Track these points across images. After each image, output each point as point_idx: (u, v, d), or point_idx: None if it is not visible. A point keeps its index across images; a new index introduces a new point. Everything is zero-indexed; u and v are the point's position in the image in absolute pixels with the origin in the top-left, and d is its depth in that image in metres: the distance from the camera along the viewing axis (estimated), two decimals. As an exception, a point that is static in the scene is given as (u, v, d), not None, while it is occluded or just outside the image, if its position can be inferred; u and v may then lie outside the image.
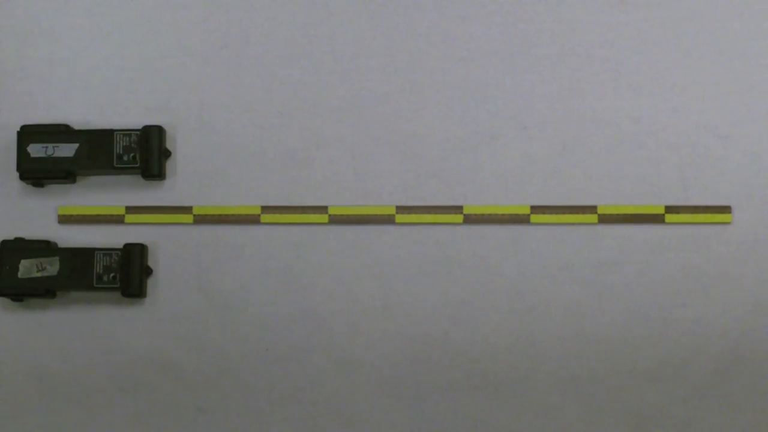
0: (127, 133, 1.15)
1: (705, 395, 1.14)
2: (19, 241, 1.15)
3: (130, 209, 1.16)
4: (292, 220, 1.16)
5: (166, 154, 1.16)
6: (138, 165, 1.14)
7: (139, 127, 1.16)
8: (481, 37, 1.18)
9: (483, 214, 1.16)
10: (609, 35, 1.18)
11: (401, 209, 1.16)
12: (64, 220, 1.17)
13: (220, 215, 1.16)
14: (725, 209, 1.15)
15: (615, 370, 1.14)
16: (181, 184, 1.17)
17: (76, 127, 1.16)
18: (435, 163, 1.17)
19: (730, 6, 1.18)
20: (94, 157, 1.15)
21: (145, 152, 1.14)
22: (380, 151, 1.17)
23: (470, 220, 1.16)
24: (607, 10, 1.18)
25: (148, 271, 1.15)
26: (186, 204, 1.17)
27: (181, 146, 1.17)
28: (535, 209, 1.16)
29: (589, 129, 1.17)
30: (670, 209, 1.15)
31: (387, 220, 1.16)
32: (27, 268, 1.13)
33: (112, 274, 1.13)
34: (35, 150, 1.15)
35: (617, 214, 1.15)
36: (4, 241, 1.15)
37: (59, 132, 1.15)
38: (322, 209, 1.17)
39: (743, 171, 1.16)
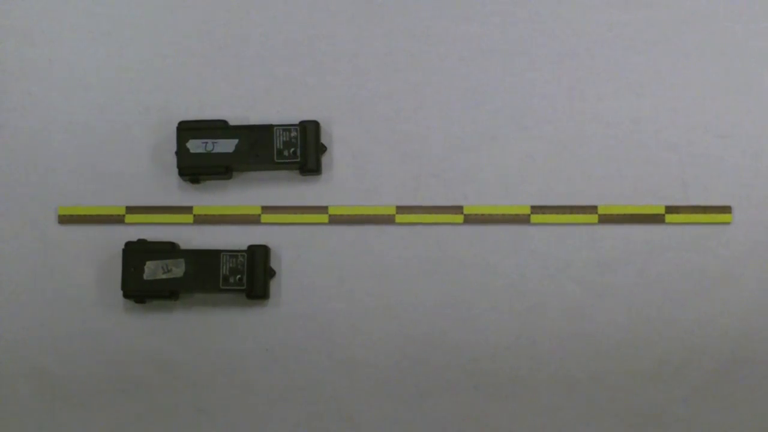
0: (286, 128, 1.14)
1: (705, 395, 1.14)
2: (142, 242, 1.14)
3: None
4: (292, 220, 1.16)
5: (322, 149, 1.16)
6: (298, 160, 1.14)
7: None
8: (481, 37, 1.18)
9: (483, 214, 1.16)
10: (609, 35, 1.18)
11: (401, 209, 1.16)
12: (64, 220, 1.17)
13: (218, 216, 1.16)
14: (725, 209, 1.15)
15: (615, 370, 1.14)
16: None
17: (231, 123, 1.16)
18: (435, 163, 1.17)
19: (730, 6, 1.18)
20: (253, 153, 1.14)
21: (303, 147, 1.14)
22: (380, 151, 1.17)
23: (470, 220, 1.16)
24: (607, 10, 1.18)
25: (271, 273, 1.14)
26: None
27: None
28: (535, 209, 1.16)
29: (589, 129, 1.17)
30: (670, 209, 1.15)
31: (387, 220, 1.16)
32: (152, 269, 1.12)
33: (238, 276, 1.13)
34: (194, 146, 1.14)
35: (617, 214, 1.15)
36: (128, 243, 1.14)
37: (217, 128, 1.15)
38: (322, 209, 1.16)
39: (743, 171, 1.16)
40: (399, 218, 1.16)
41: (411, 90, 1.18)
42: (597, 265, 1.15)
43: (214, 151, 1.14)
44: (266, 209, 1.16)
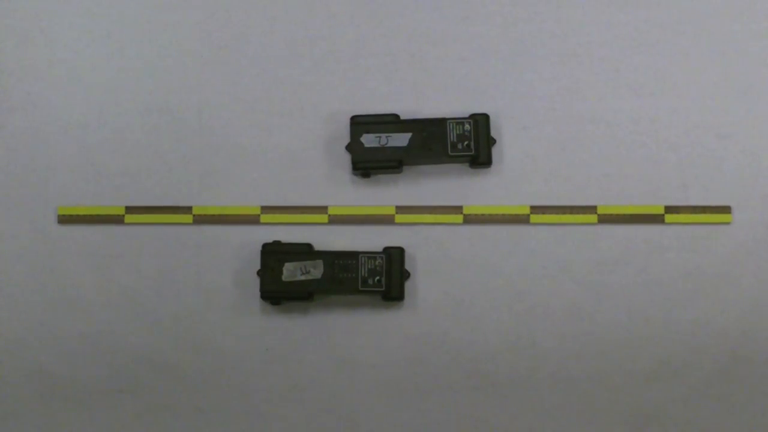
0: (459, 121, 1.14)
1: (705, 395, 1.14)
2: (277, 244, 1.14)
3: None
4: (292, 220, 1.16)
5: (492, 141, 1.16)
6: (472, 153, 1.14)
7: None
8: (481, 37, 1.18)
9: (483, 214, 1.16)
10: (609, 35, 1.18)
11: (401, 209, 1.16)
12: (64, 220, 1.17)
13: (220, 215, 1.16)
14: (725, 209, 1.15)
15: (615, 370, 1.14)
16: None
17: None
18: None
19: (730, 6, 1.18)
20: (427, 147, 1.14)
21: (476, 140, 1.14)
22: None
23: (470, 220, 1.16)
24: (607, 10, 1.18)
25: (406, 275, 1.14)
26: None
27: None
28: (535, 209, 1.16)
29: (589, 129, 1.17)
30: (670, 209, 1.15)
31: (387, 220, 1.16)
32: (291, 271, 1.12)
33: (377, 278, 1.12)
34: (369, 140, 1.14)
35: (617, 214, 1.15)
36: (265, 244, 1.14)
37: (390, 122, 1.15)
38: (322, 209, 1.17)
39: (743, 171, 1.16)
40: (399, 218, 1.16)
41: (411, 90, 1.18)
42: (597, 265, 1.15)
43: (388, 145, 1.14)
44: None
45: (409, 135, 1.14)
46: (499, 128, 1.17)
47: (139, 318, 1.16)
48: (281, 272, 1.12)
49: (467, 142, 1.13)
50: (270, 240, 1.14)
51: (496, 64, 1.18)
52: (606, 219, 1.15)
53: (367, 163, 1.14)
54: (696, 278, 1.14)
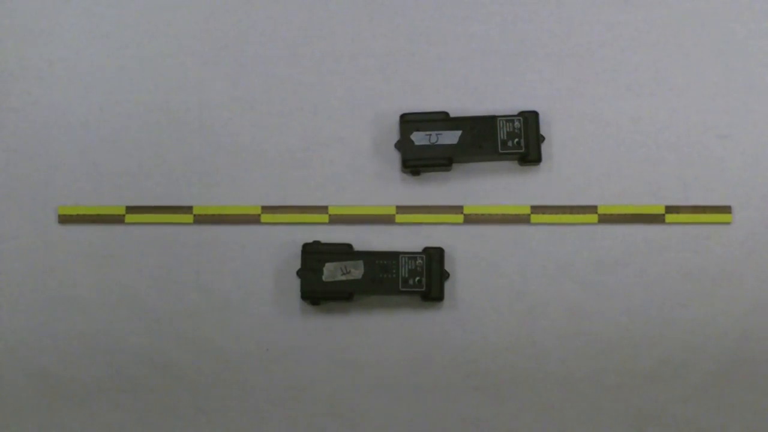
0: (509, 119, 1.14)
1: (705, 395, 1.14)
2: (317, 244, 1.14)
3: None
4: (292, 220, 1.16)
5: (542, 139, 1.15)
6: (522, 150, 1.14)
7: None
8: (481, 37, 1.19)
9: (483, 214, 1.16)
10: (609, 35, 1.18)
11: (401, 209, 1.16)
12: (64, 220, 1.17)
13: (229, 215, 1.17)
14: (725, 209, 1.15)
15: (615, 370, 1.14)
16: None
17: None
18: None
19: (730, 6, 1.18)
20: (477, 144, 1.14)
21: (527, 137, 1.14)
22: (380, 151, 1.17)
23: (470, 220, 1.16)
24: (607, 10, 1.18)
25: (446, 275, 1.14)
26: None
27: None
28: (535, 209, 1.16)
29: (589, 129, 1.17)
30: (670, 209, 1.15)
31: (387, 220, 1.16)
32: (332, 271, 1.12)
33: (417, 278, 1.12)
34: (419, 138, 1.14)
35: (617, 214, 1.15)
36: (306, 245, 1.14)
37: (439, 120, 1.15)
38: (322, 209, 1.17)
39: (743, 171, 1.16)
40: (399, 218, 1.16)
41: (411, 90, 1.18)
42: (597, 265, 1.15)
43: (438, 143, 1.14)
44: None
45: (459, 132, 1.14)
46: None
47: (139, 318, 1.16)
48: (322, 272, 1.12)
49: (517, 140, 1.14)
50: (310, 240, 1.14)
51: (496, 63, 1.18)
52: (606, 219, 1.15)
53: (418, 161, 1.14)
54: (696, 278, 1.14)
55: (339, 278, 1.12)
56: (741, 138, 1.16)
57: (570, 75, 1.17)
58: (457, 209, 1.16)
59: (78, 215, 1.17)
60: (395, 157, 1.16)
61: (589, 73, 1.18)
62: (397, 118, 1.16)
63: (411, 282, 1.12)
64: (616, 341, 1.14)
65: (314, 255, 1.13)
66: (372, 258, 1.13)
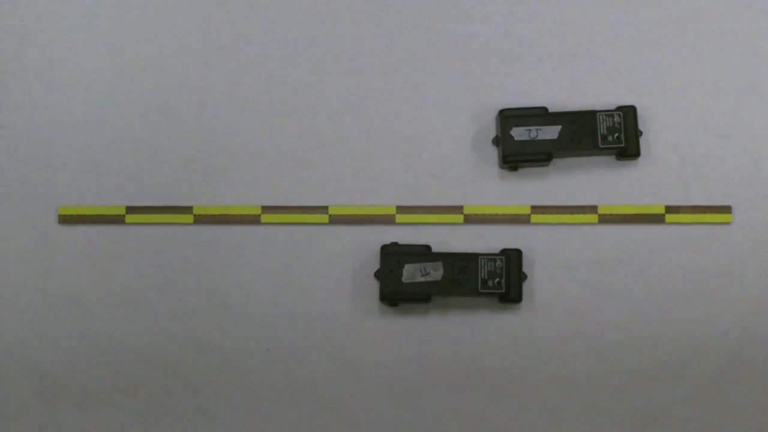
0: (609, 113, 1.14)
1: (705, 395, 1.14)
2: (394, 245, 1.13)
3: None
4: (292, 220, 1.16)
5: (639, 133, 1.15)
6: (622, 145, 1.14)
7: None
8: (481, 37, 1.19)
9: (483, 214, 1.16)
10: (609, 35, 1.18)
11: (401, 209, 1.16)
12: (64, 220, 1.17)
13: (220, 215, 1.17)
14: (725, 209, 1.15)
15: (615, 370, 1.14)
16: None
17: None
18: (435, 163, 1.17)
19: (730, 6, 1.18)
20: (577, 139, 1.14)
21: (626, 132, 1.14)
22: (380, 151, 1.17)
23: (470, 220, 1.16)
24: (607, 10, 1.18)
25: (523, 276, 1.14)
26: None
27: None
28: (535, 209, 1.16)
29: (589, 129, 1.17)
30: (670, 209, 1.15)
31: (387, 220, 1.16)
32: (411, 272, 1.12)
33: (496, 280, 1.12)
34: (518, 133, 1.14)
35: (617, 214, 1.15)
36: (384, 246, 1.13)
37: (538, 115, 1.14)
38: (322, 209, 1.17)
39: (743, 171, 1.16)
40: (399, 218, 1.16)
41: (411, 90, 1.18)
42: (597, 265, 1.15)
43: (538, 138, 1.14)
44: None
45: (558, 128, 1.14)
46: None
47: (139, 318, 1.16)
48: (400, 274, 1.12)
49: (617, 134, 1.14)
50: (388, 242, 1.14)
51: (497, 62, 1.18)
52: (606, 219, 1.15)
53: (518, 157, 1.14)
54: (696, 278, 1.14)
55: (418, 279, 1.12)
56: (741, 138, 1.16)
57: (570, 75, 1.17)
58: (457, 209, 1.16)
59: (78, 215, 1.17)
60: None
61: (589, 73, 1.17)
62: (401, 118, 1.16)
63: (490, 283, 1.12)
64: (616, 341, 1.14)
65: (393, 256, 1.13)
66: (451, 259, 1.12)
